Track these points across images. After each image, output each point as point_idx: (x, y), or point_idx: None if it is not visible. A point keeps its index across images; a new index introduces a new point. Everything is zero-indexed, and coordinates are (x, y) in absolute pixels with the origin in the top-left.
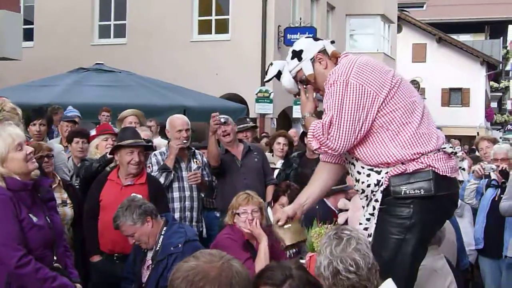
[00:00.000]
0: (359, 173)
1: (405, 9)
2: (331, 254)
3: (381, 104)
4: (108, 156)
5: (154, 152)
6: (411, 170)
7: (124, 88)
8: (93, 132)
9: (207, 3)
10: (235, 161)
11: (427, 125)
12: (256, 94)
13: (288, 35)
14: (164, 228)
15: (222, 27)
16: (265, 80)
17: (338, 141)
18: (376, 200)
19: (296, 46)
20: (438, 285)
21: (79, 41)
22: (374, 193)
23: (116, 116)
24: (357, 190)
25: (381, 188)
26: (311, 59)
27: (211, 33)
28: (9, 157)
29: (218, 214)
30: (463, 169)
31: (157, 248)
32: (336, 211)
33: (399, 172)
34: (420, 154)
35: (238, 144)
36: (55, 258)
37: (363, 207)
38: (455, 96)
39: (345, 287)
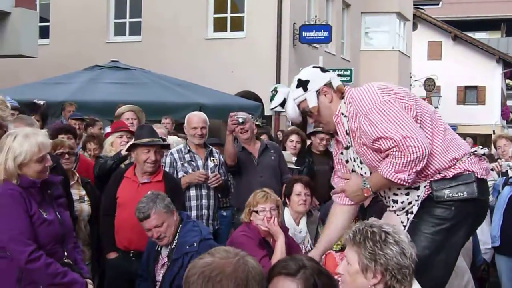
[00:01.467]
0: (395, 194)
1: (420, 6)
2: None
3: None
4: (123, 153)
5: (171, 151)
6: (451, 176)
7: (139, 85)
8: (108, 130)
9: (222, 0)
10: (252, 159)
11: (451, 132)
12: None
13: (303, 32)
14: (180, 226)
15: (237, 24)
16: (270, 108)
17: (420, 145)
18: (411, 213)
19: (303, 75)
20: (455, 284)
21: (94, 38)
22: (412, 208)
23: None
24: (394, 211)
25: (419, 201)
26: (316, 91)
27: (226, 31)
28: (29, 165)
29: (224, 213)
30: (491, 169)
31: (173, 246)
32: None
33: (440, 178)
34: (456, 160)
35: (256, 141)
36: (65, 253)
37: (402, 222)
38: (470, 94)
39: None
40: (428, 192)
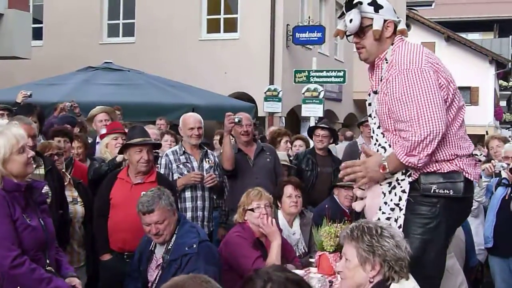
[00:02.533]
0: None
1: (413, 7)
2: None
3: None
4: (117, 160)
5: (166, 152)
6: (445, 171)
7: (133, 86)
8: (103, 131)
9: (215, 2)
10: (248, 160)
11: (464, 129)
12: (265, 92)
13: (296, 34)
14: (177, 227)
15: (231, 26)
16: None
17: (431, 124)
18: (404, 191)
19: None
20: (449, 284)
21: (88, 40)
22: (399, 181)
23: (125, 115)
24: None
25: (409, 179)
26: (385, 20)
27: (219, 32)
28: (11, 159)
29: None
30: (483, 169)
31: (169, 247)
32: (346, 210)
33: (432, 170)
34: (456, 156)
35: (252, 143)
36: (47, 261)
37: (383, 193)
38: (463, 94)
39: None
40: (416, 178)
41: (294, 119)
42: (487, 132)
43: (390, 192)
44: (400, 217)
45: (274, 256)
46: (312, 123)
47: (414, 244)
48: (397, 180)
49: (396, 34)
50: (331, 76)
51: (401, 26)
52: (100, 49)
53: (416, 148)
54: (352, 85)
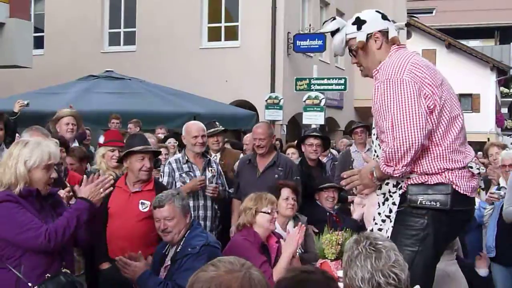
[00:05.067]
0: None
1: (414, 15)
2: (372, 268)
3: (431, 113)
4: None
5: (169, 160)
6: (432, 183)
7: (134, 95)
8: (101, 140)
9: (216, 10)
10: (256, 173)
11: (461, 140)
12: (266, 100)
13: (297, 41)
14: (188, 232)
15: (232, 34)
16: (321, 30)
17: (405, 136)
18: (394, 203)
19: (362, 15)
20: None
21: (89, 48)
22: (391, 194)
23: (126, 123)
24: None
25: (399, 192)
26: (368, 34)
27: (220, 40)
28: (36, 171)
29: None
30: (483, 188)
31: (178, 250)
32: (332, 212)
33: (420, 182)
34: (445, 169)
35: (269, 155)
36: (64, 263)
37: (378, 204)
38: (465, 101)
39: None
40: (405, 190)
41: (295, 127)
42: (488, 139)
43: (383, 203)
44: (389, 229)
45: (283, 267)
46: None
47: (402, 255)
48: (389, 192)
49: (392, 41)
50: (332, 84)
51: (392, 33)
52: (101, 58)
53: (392, 159)
54: (353, 92)
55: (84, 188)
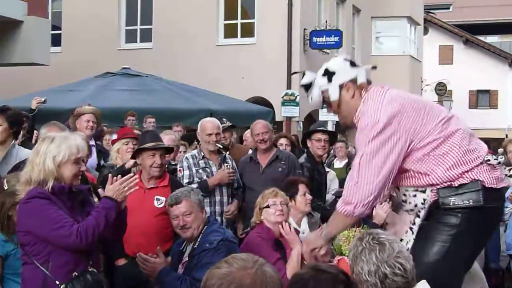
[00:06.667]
0: (404, 195)
1: (431, 11)
2: (377, 259)
3: (418, 142)
4: (127, 166)
5: (185, 155)
6: (456, 185)
7: (150, 92)
8: (114, 137)
9: (232, 7)
10: (259, 169)
11: (468, 141)
12: (282, 97)
13: (313, 38)
14: (205, 227)
15: (248, 31)
16: (301, 83)
17: (367, 186)
18: (418, 216)
19: (331, 66)
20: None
21: (105, 46)
22: (420, 210)
23: (142, 120)
24: (406, 210)
25: (426, 205)
26: (339, 85)
27: (236, 37)
28: (65, 166)
29: None
30: (510, 176)
31: (195, 246)
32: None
33: (446, 185)
34: (465, 172)
35: (270, 150)
36: (90, 262)
37: (410, 222)
38: (483, 98)
39: None
40: (435, 198)
41: (311, 123)
42: (506, 135)
43: (416, 222)
44: (410, 240)
45: (295, 263)
46: (330, 127)
47: (433, 251)
48: (419, 210)
49: (361, 88)
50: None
51: (360, 79)
52: (118, 55)
53: (352, 196)
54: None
55: (109, 187)
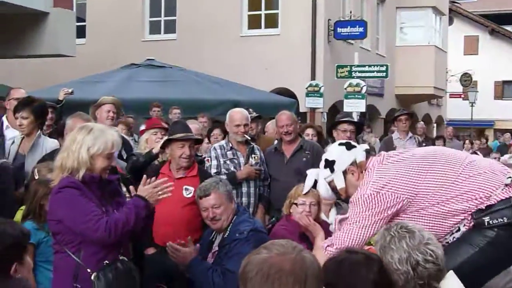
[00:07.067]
0: (441, 242)
1: (456, 0)
2: (408, 247)
3: (422, 201)
4: (154, 151)
5: (213, 146)
6: (484, 207)
7: (175, 83)
8: (142, 127)
9: None
10: (284, 159)
11: (480, 170)
12: (307, 88)
13: (338, 28)
14: (235, 217)
15: (272, 21)
16: (303, 193)
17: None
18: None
19: (329, 155)
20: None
21: (130, 37)
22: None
23: (167, 111)
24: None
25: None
26: (342, 172)
27: (260, 28)
28: (98, 158)
29: None
30: None
31: (225, 236)
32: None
33: (476, 209)
34: (490, 194)
35: (295, 141)
36: (121, 251)
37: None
38: (508, 89)
39: (424, 279)
40: (471, 224)
41: (335, 114)
42: None
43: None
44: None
45: (319, 245)
46: (354, 118)
47: (459, 251)
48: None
49: (361, 167)
50: (373, 71)
51: (359, 159)
52: (142, 46)
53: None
54: (394, 80)
55: (142, 188)
